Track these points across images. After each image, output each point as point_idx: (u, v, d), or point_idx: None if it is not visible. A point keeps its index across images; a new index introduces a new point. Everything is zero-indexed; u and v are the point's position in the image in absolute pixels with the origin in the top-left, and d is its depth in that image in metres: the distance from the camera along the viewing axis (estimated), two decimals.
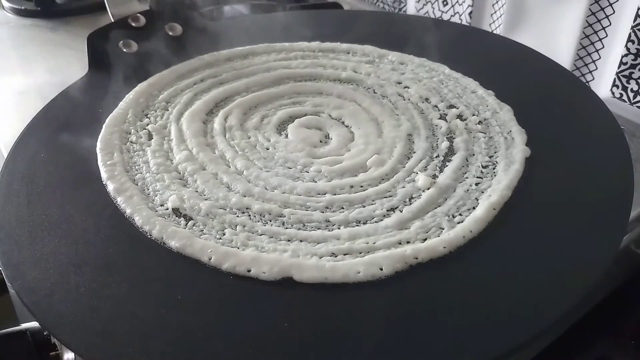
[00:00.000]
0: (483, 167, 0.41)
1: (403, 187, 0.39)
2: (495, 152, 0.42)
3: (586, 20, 0.60)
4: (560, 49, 0.63)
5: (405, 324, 0.29)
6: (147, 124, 0.47)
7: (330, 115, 0.48)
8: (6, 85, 0.66)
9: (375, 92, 0.51)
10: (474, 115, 0.46)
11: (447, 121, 0.46)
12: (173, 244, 0.35)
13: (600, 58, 0.61)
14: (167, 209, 0.38)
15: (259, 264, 0.33)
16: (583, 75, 0.63)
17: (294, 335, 0.29)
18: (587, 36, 0.61)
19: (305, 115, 0.48)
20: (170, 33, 0.58)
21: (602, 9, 0.59)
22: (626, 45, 0.57)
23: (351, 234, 0.35)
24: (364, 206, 0.38)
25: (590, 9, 0.59)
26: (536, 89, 0.49)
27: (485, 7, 0.72)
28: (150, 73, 0.53)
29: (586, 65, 0.63)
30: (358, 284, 0.32)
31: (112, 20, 0.56)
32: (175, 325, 0.29)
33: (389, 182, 0.40)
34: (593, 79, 0.63)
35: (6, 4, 0.84)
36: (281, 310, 0.30)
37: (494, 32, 0.70)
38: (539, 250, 0.33)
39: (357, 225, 0.36)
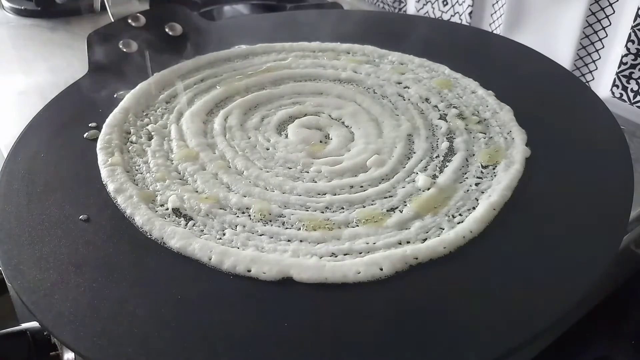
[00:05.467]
0: (483, 167, 0.41)
1: (403, 188, 0.39)
2: (495, 152, 0.42)
3: (586, 20, 0.60)
4: (560, 49, 0.63)
5: (405, 324, 0.29)
6: (147, 124, 0.47)
7: (330, 116, 0.48)
8: (6, 85, 0.66)
9: (375, 92, 0.51)
10: (474, 115, 0.46)
11: (447, 121, 0.46)
12: (173, 243, 0.35)
13: (600, 58, 0.61)
14: (167, 209, 0.38)
15: (259, 264, 0.33)
16: (583, 75, 0.63)
17: (294, 335, 0.29)
18: (587, 36, 0.61)
19: (305, 115, 0.48)
20: (170, 33, 0.58)
21: (602, 9, 0.59)
22: (626, 45, 0.57)
23: (351, 234, 0.35)
24: (364, 206, 0.38)
25: (590, 9, 0.59)
26: (536, 89, 0.49)
27: (485, 7, 0.72)
28: (151, 73, 0.53)
29: (586, 65, 0.63)
30: (358, 284, 0.32)
31: (112, 20, 0.56)
32: (175, 325, 0.29)
33: (389, 183, 0.40)
34: (593, 79, 0.63)
35: (6, 4, 0.84)
36: (281, 310, 0.30)
37: (494, 32, 0.70)
38: (539, 251, 0.33)
39: (357, 226, 0.36)
